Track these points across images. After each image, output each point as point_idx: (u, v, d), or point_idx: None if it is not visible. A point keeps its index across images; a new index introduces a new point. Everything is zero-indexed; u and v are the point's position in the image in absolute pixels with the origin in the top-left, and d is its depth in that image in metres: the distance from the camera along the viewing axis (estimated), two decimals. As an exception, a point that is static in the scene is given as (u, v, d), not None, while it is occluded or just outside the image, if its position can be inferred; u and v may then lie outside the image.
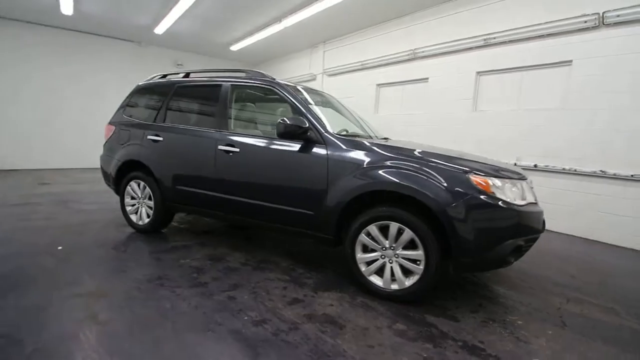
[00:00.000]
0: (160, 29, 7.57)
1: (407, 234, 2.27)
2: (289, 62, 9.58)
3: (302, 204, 2.66)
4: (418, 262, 2.28)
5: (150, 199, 3.52)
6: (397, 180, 2.26)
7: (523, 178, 2.39)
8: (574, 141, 4.32)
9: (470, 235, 2.11)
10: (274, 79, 3.06)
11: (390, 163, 2.37)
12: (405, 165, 2.32)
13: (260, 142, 2.88)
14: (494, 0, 4.96)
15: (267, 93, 3.19)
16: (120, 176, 3.73)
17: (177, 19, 6.92)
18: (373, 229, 2.39)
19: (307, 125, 2.61)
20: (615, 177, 3.97)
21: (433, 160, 2.31)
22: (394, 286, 2.37)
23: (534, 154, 4.68)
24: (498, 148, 4.95)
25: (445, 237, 2.19)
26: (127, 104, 3.87)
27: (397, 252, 2.34)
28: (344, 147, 2.55)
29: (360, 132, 3.31)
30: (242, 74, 3.24)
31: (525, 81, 4.83)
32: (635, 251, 3.91)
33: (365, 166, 2.42)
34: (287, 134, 2.60)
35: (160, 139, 3.37)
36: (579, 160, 4.28)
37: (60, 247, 3.12)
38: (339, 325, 2.06)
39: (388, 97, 6.89)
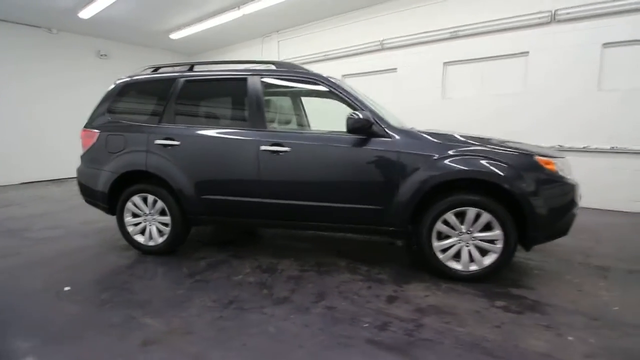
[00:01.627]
0: (86, 13, 6.31)
1: (485, 217, 2.42)
2: (236, 52, 8.98)
3: (370, 200, 2.60)
4: (495, 242, 2.45)
5: (163, 214, 3.01)
6: (480, 169, 2.37)
7: (563, 157, 2.73)
8: (534, 121, 5.04)
9: (544, 211, 2.35)
10: (311, 71, 2.88)
11: (458, 152, 2.47)
12: (475, 153, 2.45)
13: (314, 139, 2.69)
14: (461, -5, 5.42)
15: (306, 87, 2.98)
16: (116, 192, 3.09)
17: (113, 2, 5.86)
18: (450, 216, 2.48)
19: (373, 119, 2.54)
20: (571, 150, 4.78)
21: (498, 146, 2.48)
22: (473, 267, 2.51)
23: (500, 134, 5.32)
24: (467, 131, 5.48)
25: (521, 216, 2.39)
26: (111, 104, 3.19)
27: (475, 235, 2.47)
28: (409, 139, 2.56)
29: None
30: (272, 67, 2.95)
31: (488, 70, 5.42)
32: (590, 209, 4.81)
33: (437, 157, 2.47)
34: (357, 129, 2.50)
35: (176, 143, 2.89)
36: (540, 137, 5.01)
37: (67, 288, 2.48)
38: (453, 314, 2.12)
39: (354, 88, 6.99)
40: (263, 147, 2.71)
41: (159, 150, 2.92)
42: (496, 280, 2.56)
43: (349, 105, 2.71)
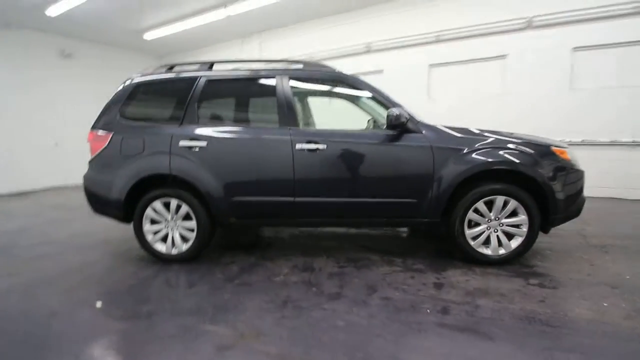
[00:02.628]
0: (55, 10, 5.81)
1: (512, 204, 2.62)
2: (213, 53, 8.73)
3: (405, 194, 2.70)
4: (520, 226, 2.66)
5: (187, 218, 2.89)
6: (510, 160, 2.57)
7: (568, 147, 3.03)
8: (512, 118, 5.48)
9: (562, 196, 2.61)
10: (340, 71, 2.94)
11: (485, 145, 2.66)
12: (500, 145, 2.64)
13: (349, 136, 2.74)
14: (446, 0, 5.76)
15: (333, 86, 3.02)
16: (133, 198, 2.90)
17: (86, -2, 5.46)
18: (481, 204, 2.66)
19: (408, 115, 2.65)
20: (547, 143, 5.27)
21: (517, 139, 2.70)
22: (502, 251, 2.70)
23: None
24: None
25: (544, 201, 2.62)
26: (124, 105, 2.99)
27: (502, 221, 2.67)
28: (438, 134, 2.70)
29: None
30: (299, 66, 2.96)
31: (470, 72, 5.82)
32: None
33: (467, 150, 2.64)
34: (396, 125, 2.59)
35: (203, 144, 2.79)
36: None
37: (99, 304, 2.30)
38: (499, 294, 2.27)
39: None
40: (299, 146, 2.71)
41: (185, 152, 2.80)
42: (519, 262, 2.78)
43: (380, 103, 2.80)
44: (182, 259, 2.95)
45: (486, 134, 2.74)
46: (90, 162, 3.00)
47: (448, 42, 5.85)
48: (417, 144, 2.66)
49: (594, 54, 4.89)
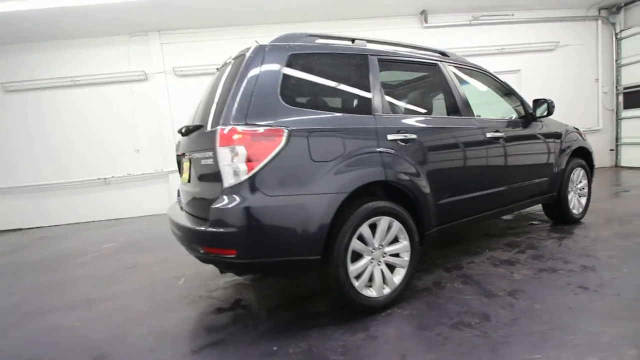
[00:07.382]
0: None
1: (583, 173, 3.52)
2: (82, 50, 6.00)
3: (542, 173, 3.12)
4: (584, 189, 3.59)
5: (395, 242, 2.11)
6: (584, 140, 3.46)
7: None
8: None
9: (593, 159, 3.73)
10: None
11: (568, 130, 3.42)
12: (571, 130, 3.49)
13: (511, 125, 2.90)
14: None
15: (477, 77, 3.01)
16: (338, 225, 1.83)
17: None
18: (573, 176, 3.41)
19: (541, 105, 3.06)
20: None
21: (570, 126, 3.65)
22: (580, 210, 3.53)
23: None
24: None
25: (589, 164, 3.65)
26: (284, 86, 1.84)
27: (578, 186, 3.51)
28: (546, 122, 3.26)
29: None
30: (436, 55, 2.77)
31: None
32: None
33: (564, 134, 3.33)
34: (550, 114, 2.94)
35: (413, 137, 2.15)
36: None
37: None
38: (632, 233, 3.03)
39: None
40: (489, 135, 2.59)
41: (395, 149, 2.07)
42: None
43: (514, 95, 3.08)
44: (393, 300, 2.09)
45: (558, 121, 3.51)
46: (251, 179, 1.67)
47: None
48: (544, 129, 3.14)
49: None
